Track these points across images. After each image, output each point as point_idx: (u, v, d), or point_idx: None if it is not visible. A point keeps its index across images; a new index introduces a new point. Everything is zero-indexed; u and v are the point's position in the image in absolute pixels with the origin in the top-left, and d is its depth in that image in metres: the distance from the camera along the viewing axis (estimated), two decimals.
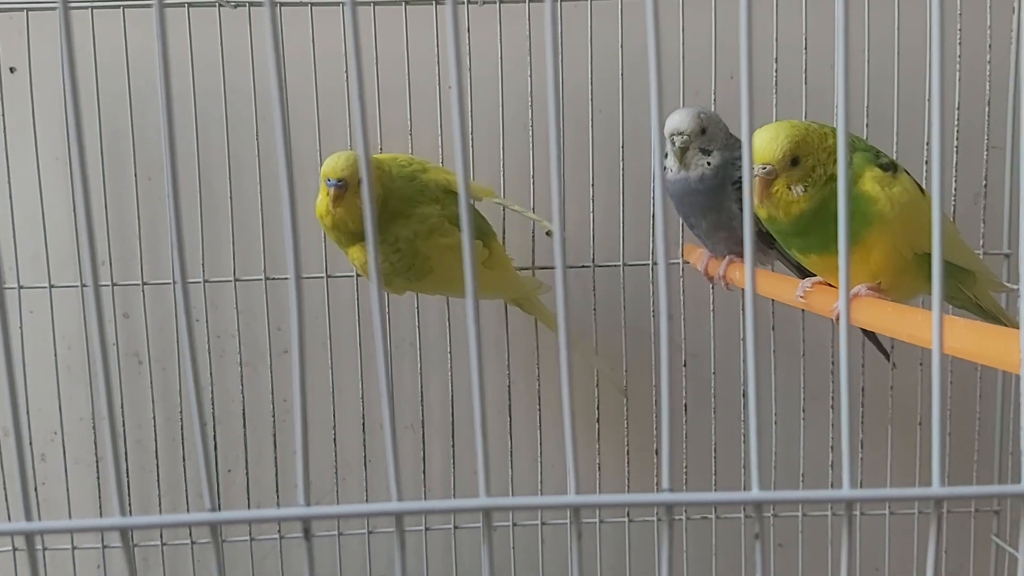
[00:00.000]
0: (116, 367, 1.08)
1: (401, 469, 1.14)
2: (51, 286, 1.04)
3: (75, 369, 1.10)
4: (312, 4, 1.00)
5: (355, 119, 0.34)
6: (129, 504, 1.07)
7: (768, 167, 0.69)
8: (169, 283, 1.05)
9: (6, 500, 1.05)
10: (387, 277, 0.89)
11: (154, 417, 1.08)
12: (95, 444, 1.07)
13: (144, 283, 1.05)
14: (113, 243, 1.04)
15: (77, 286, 1.05)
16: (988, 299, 0.81)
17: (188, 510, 1.08)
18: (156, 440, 1.07)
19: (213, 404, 1.08)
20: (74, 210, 1.04)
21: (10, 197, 1.03)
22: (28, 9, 1.00)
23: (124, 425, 1.07)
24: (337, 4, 1.01)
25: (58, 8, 0.98)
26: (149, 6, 0.99)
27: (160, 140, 1.03)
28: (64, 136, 1.04)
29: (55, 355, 1.04)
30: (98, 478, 1.07)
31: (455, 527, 1.10)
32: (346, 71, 1.01)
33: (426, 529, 1.10)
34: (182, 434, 1.07)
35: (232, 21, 1.01)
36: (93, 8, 1.00)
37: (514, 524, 1.09)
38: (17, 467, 0.35)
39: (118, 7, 0.99)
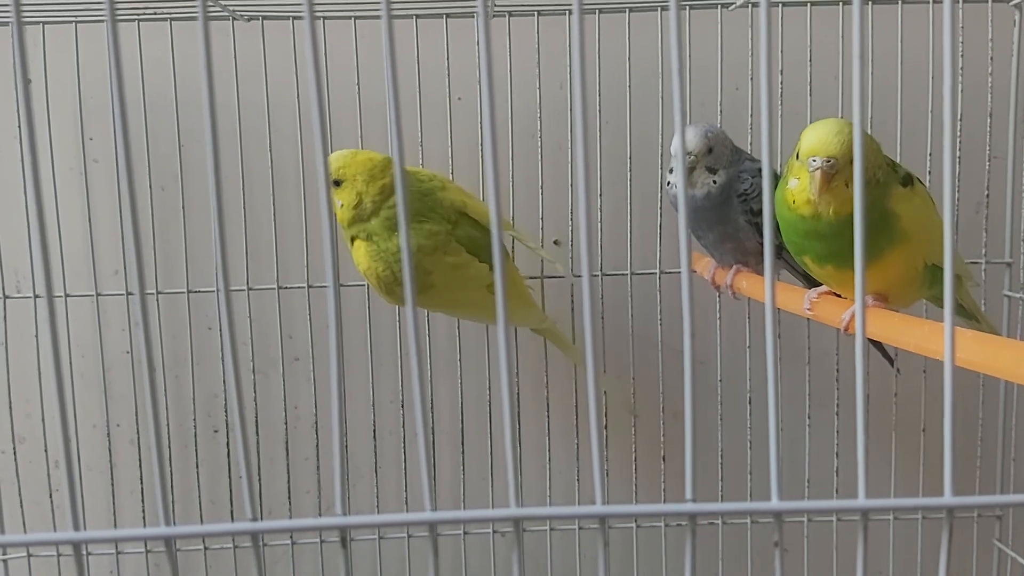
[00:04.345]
0: (131, 375, 1.10)
1: (412, 478, 1.16)
2: (66, 295, 1.05)
3: (88, 377, 1.11)
4: (324, 18, 1.02)
5: (392, 130, 0.36)
6: (143, 512, 1.08)
7: (832, 160, 0.66)
8: (183, 292, 1.06)
9: (21, 505, 1.06)
10: (388, 285, 0.90)
11: (168, 425, 1.09)
12: (109, 452, 1.08)
13: (158, 292, 1.06)
14: (127, 252, 1.05)
15: (91, 295, 1.06)
16: (969, 300, 0.83)
17: (201, 519, 1.10)
18: (170, 448, 1.09)
19: (226, 412, 1.09)
20: (89, 221, 1.06)
21: (26, 208, 1.04)
22: (44, 23, 1.01)
23: (138, 433, 1.08)
24: (348, 17, 1.02)
25: (105, 21, 1.01)
26: (164, 20, 1.01)
27: (173, 151, 1.04)
28: (78, 147, 1.06)
29: (70, 363, 1.06)
30: (112, 485, 1.09)
31: (464, 533, 1.11)
32: (357, 83, 1.03)
33: (436, 535, 1.11)
34: (195, 442, 1.09)
35: (245, 34, 1.03)
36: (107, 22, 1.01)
37: (523, 530, 1.10)
38: (66, 479, 0.36)
39: (133, 20, 1.01)
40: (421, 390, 0.37)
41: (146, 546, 1.09)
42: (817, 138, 0.68)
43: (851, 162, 0.66)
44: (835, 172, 0.67)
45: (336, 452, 0.37)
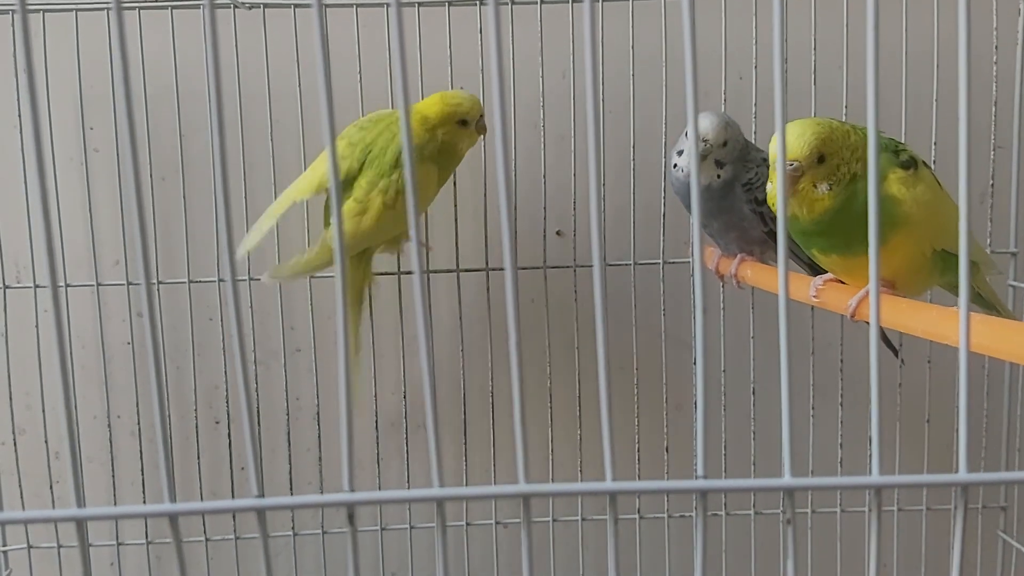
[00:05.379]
0: (132, 366, 1.09)
1: (414, 469, 1.15)
2: (67, 285, 1.05)
3: (89, 368, 1.11)
4: (326, 5, 1.01)
5: (403, 120, 0.35)
6: (144, 502, 1.08)
7: (795, 164, 0.68)
8: (184, 282, 1.06)
9: (21, 497, 1.06)
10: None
11: (169, 415, 1.09)
12: (110, 442, 1.07)
13: (159, 282, 1.06)
14: (128, 243, 1.04)
15: (92, 285, 1.05)
16: (987, 288, 0.82)
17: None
18: (171, 439, 1.08)
19: (227, 402, 1.08)
20: (90, 211, 1.05)
21: (26, 197, 1.03)
22: (44, 11, 1.01)
23: (139, 424, 1.08)
24: (350, 5, 1.02)
25: (106, 10, 1.00)
26: (165, 8, 1.01)
27: (174, 141, 1.03)
28: (78, 136, 1.05)
29: (71, 354, 1.05)
30: (112, 476, 1.08)
31: (467, 524, 1.11)
32: (359, 71, 1.02)
33: (444, 516, 1.11)
34: (196, 432, 1.08)
35: (246, 22, 1.02)
36: (108, 10, 1.01)
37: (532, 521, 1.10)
38: (69, 456, 0.36)
39: (134, 8, 1.00)
40: (429, 369, 0.37)
41: (147, 536, 1.08)
42: (787, 141, 0.69)
43: (817, 162, 0.68)
44: (799, 175, 0.68)
45: (344, 429, 0.37)
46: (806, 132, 0.68)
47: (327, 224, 0.97)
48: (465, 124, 0.94)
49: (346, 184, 0.93)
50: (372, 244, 0.97)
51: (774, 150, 0.70)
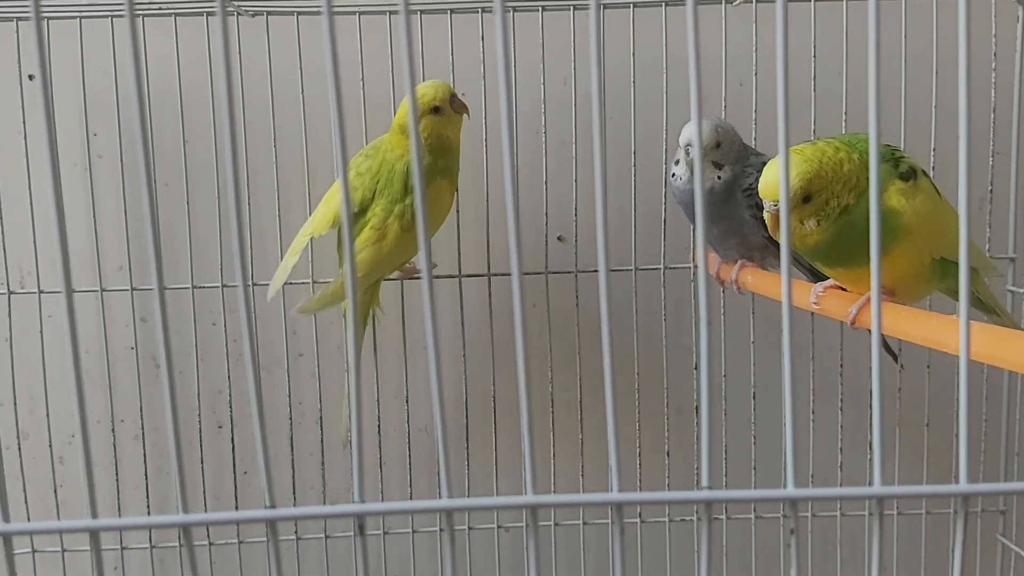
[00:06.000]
0: (135, 370, 1.10)
1: (416, 473, 1.15)
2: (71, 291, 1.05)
3: (92, 373, 1.11)
4: (332, 14, 1.01)
5: (411, 123, 0.36)
6: (148, 508, 1.08)
7: (777, 205, 0.68)
8: (187, 287, 1.06)
9: (25, 501, 1.06)
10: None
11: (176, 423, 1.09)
12: (114, 447, 1.08)
13: (163, 287, 1.06)
14: (131, 248, 1.05)
15: (96, 290, 1.06)
16: (986, 292, 0.83)
17: (206, 512, 1.09)
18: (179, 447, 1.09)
19: (231, 407, 1.09)
20: (94, 216, 1.05)
21: (31, 203, 1.04)
22: (48, 18, 1.01)
23: (142, 429, 1.08)
24: (352, 13, 1.02)
25: (110, 17, 1.01)
26: (168, 15, 1.01)
27: (178, 146, 1.04)
28: (82, 142, 1.05)
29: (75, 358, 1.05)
30: (117, 481, 1.09)
31: (469, 528, 1.12)
32: (362, 79, 1.03)
33: (452, 525, 1.11)
34: (200, 437, 1.09)
35: (248, 29, 1.02)
36: (112, 17, 1.01)
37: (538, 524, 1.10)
38: (83, 465, 0.36)
39: (137, 15, 1.00)
40: (438, 379, 0.37)
41: (151, 540, 1.09)
42: (766, 182, 0.69)
43: (802, 202, 0.68)
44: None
45: (354, 441, 0.37)
46: (792, 169, 0.68)
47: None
48: (438, 111, 0.93)
49: (362, 212, 0.94)
50: (392, 268, 0.98)
51: (761, 186, 0.70)
